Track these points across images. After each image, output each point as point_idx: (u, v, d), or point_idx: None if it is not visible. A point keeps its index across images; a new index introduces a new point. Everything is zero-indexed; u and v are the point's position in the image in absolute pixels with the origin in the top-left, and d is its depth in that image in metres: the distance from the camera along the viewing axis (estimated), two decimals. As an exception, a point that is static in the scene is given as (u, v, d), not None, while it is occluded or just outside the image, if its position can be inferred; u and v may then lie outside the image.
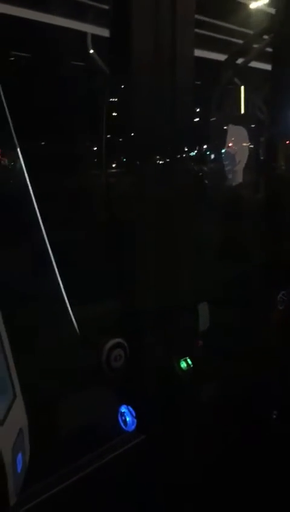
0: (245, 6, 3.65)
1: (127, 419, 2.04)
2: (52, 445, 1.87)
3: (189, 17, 2.63)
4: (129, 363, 2.15)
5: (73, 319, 2.21)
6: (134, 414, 2.04)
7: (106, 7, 3.03)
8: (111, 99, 2.73)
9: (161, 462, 2.04)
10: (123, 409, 2.06)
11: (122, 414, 2.06)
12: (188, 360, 2.32)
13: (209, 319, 2.58)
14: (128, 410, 2.05)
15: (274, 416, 2.20)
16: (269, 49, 3.64)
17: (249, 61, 3.96)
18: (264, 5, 3.57)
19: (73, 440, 1.98)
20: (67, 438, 2.00)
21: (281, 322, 2.50)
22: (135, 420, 2.03)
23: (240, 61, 4.07)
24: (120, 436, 2.01)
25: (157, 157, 2.57)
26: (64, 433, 2.06)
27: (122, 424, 2.05)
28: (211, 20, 3.66)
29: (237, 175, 3.02)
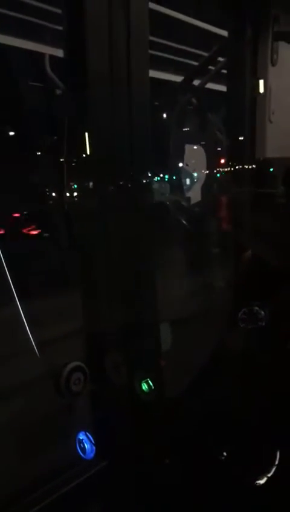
0: (200, 29, 3.75)
1: (86, 446, 1.95)
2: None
3: (143, 38, 2.66)
4: (89, 386, 2.08)
5: (32, 341, 2.14)
6: (93, 441, 1.95)
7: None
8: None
9: (121, 490, 1.96)
10: (81, 436, 1.97)
11: (81, 441, 1.97)
12: (150, 382, 2.27)
13: (171, 338, 2.54)
14: (87, 436, 1.97)
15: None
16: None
17: (205, 83, 4.04)
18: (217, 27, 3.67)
19: (29, 471, 1.87)
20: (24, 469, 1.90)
21: (242, 340, 2.49)
22: (94, 447, 1.95)
23: (196, 82, 4.16)
24: (79, 465, 1.92)
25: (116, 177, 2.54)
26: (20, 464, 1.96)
27: (80, 452, 1.96)
28: (166, 42, 3.73)
29: (195, 194, 3.04)
